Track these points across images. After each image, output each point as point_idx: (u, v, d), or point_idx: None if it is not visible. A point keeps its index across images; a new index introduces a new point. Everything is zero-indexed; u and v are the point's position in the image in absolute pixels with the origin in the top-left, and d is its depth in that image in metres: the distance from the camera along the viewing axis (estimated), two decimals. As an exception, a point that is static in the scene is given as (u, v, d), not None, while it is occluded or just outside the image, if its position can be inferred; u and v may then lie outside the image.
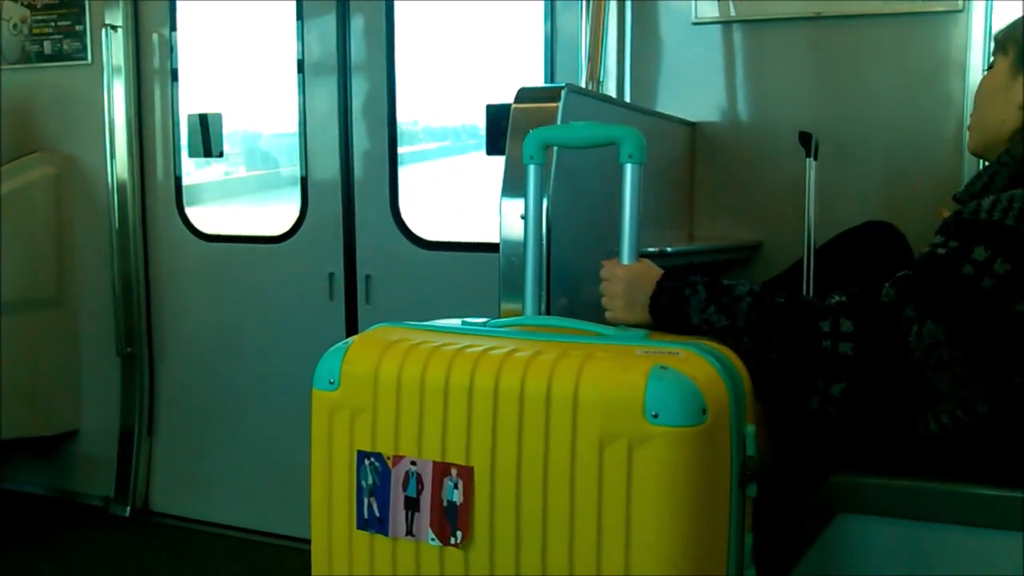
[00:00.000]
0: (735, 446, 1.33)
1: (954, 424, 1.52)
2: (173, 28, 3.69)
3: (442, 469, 1.36)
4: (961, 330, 1.41)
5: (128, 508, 3.80)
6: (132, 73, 3.71)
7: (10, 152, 3.69)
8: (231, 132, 3.77)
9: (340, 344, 1.47)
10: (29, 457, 3.93)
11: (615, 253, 1.59)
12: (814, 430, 1.59)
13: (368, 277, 3.48)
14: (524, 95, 1.94)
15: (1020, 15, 1.68)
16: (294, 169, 3.60)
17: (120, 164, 3.70)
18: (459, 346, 1.40)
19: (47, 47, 3.81)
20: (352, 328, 3.49)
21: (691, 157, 2.92)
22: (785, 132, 2.61)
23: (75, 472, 3.95)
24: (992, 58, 1.71)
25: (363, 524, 1.42)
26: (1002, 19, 2.39)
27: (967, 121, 1.82)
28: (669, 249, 2.44)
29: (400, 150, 3.43)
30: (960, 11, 2.58)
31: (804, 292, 2.09)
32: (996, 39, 1.70)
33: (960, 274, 1.41)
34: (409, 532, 1.39)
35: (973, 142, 1.75)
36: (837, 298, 1.48)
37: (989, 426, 1.51)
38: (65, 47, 3.79)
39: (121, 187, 3.71)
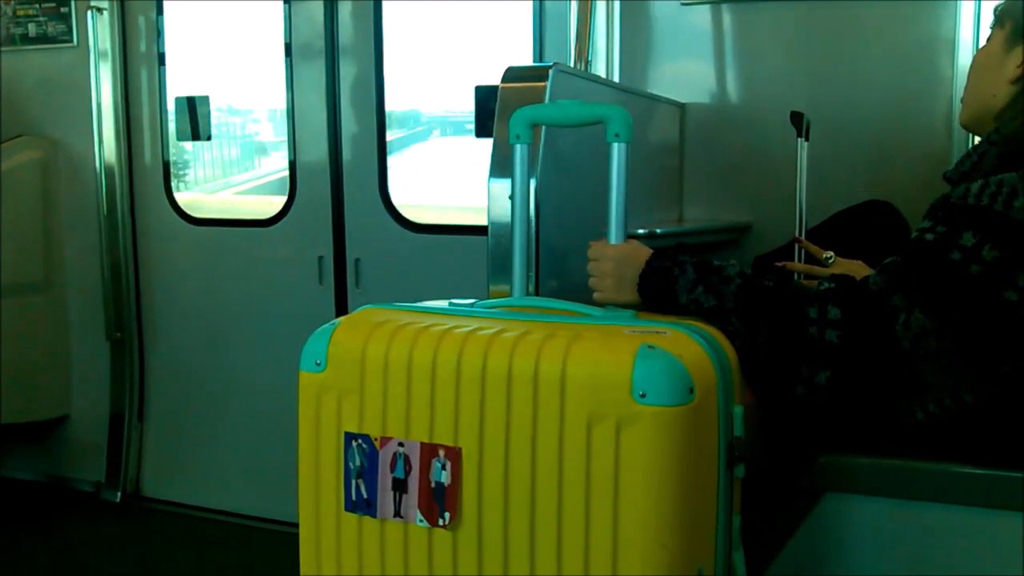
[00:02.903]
0: (723, 426, 1.32)
1: (941, 413, 1.52)
2: (160, 11, 3.66)
3: (430, 450, 1.35)
4: (950, 319, 1.39)
5: (119, 493, 3.79)
6: (118, 56, 3.68)
7: (-5, 136, 3.68)
8: (218, 115, 3.75)
9: (327, 325, 1.46)
10: (19, 443, 3.92)
11: (604, 234, 1.58)
12: (800, 414, 1.59)
13: (358, 260, 3.47)
14: (512, 74, 1.93)
15: None
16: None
17: (107, 148, 3.68)
18: (446, 327, 1.40)
19: (32, 29, 3.78)
20: (342, 311, 3.47)
21: (681, 138, 2.91)
22: (774, 113, 2.61)
23: (66, 458, 3.94)
24: (990, 31, 1.71)
25: (351, 506, 1.42)
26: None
27: (956, 100, 1.82)
28: (659, 231, 2.44)
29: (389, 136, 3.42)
30: (950, -10, 2.58)
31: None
32: (995, 12, 1.69)
33: (948, 260, 1.40)
34: (397, 514, 1.38)
35: (964, 115, 1.75)
36: (826, 284, 1.47)
37: (976, 414, 1.51)
38: (50, 29, 3.76)
39: (109, 171, 3.69)
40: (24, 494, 3.86)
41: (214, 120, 3.76)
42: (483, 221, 1.91)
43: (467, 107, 3.32)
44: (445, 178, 3.69)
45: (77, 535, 3.50)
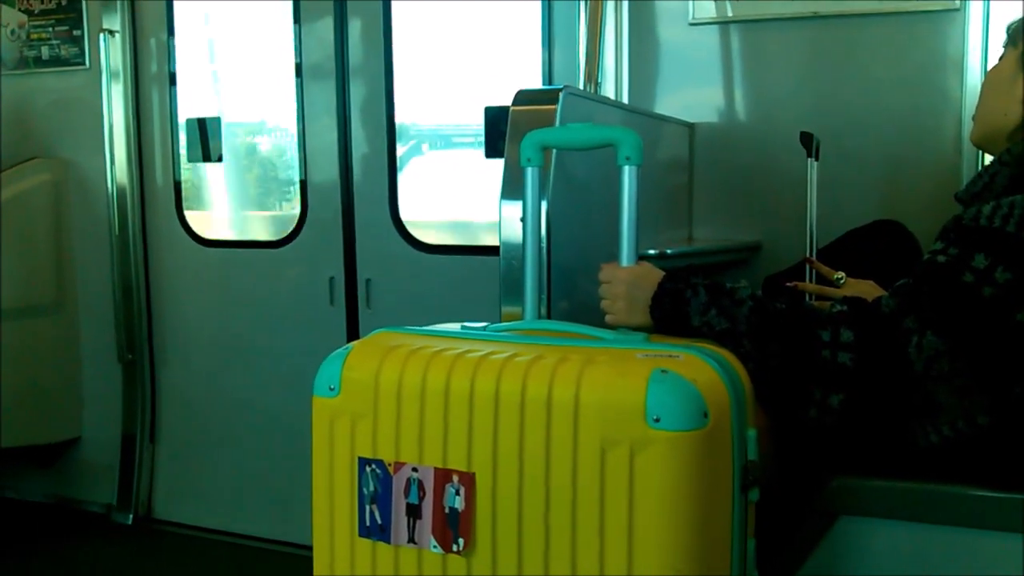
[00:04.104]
0: (736, 450, 1.32)
1: (955, 435, 1.51)
2: (171, 32, 3.69)
3: (443, 475, 1.35)
4: (962, 341, 1.39)
5: (131, 515, 3.79)
6: (130, 78, 3.71)
7: (9, 159, 3.69)
8: (229, 136, 3.77)
9: (340, 350, 1.47)
10: (31, 465, 3.93)
11: (616, 256, 1.59)
12: (814, 437, 1.58)
13: (368, 281, 3.47)
14: (522, 97, 1.93)
15: None
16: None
17: (119, 169, 3.70)
18: (459, 351, 1.40)
19: (45, 52, 3.81)
20: (353, 332, 3.48)
21: (690, 158, 2.92)
22: (783, 132, 2.61)
23: (77, 480, 3.94)
24: (1003, 49, 1.71)
25: (365, 531, 1.42)
26: (1000, 16, 2.39)
27: (966, 119, 1.82)
28: (669, 251, 2.43)
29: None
30: (957, 9, 2.58)
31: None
32: (1008, 31, 1.69)
33: (960, 282, 1.40)
34: (411, 539, 1.38)
35: (975, 133, 1.75)
36: (839, 307, 1.47)
37: (991, 436, 1.50)
38: (63, 52, 3.79)
39: (120, 192, 3.71)
40: (35, 516, 3.87)
41: (243, 141, 3.78)
42: (488, 236, 1.91)
43: (474, 121, 3.32)
44: (453, 193, 3.69)
45: (88, 557, 3.50)
